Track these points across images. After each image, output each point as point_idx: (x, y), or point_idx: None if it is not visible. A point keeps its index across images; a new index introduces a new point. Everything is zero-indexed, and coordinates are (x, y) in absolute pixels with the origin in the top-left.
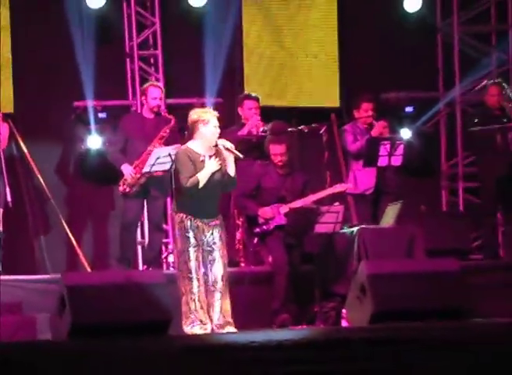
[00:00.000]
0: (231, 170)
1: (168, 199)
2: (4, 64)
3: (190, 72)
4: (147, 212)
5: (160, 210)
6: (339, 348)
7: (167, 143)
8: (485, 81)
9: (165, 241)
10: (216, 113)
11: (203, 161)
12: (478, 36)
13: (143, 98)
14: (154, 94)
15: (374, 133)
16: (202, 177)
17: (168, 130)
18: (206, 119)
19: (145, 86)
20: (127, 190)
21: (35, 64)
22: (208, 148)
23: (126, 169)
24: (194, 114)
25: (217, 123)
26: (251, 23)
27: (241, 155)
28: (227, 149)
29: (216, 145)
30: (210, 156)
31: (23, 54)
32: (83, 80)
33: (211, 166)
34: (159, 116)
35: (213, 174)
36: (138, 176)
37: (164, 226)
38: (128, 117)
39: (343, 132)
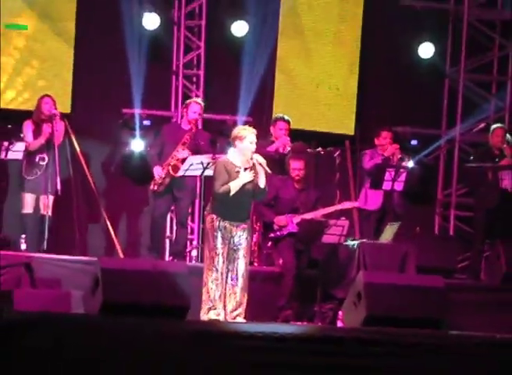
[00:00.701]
0: (262, 182)
1: (197, 201)
2: (66, 70)
3: (227, 92)
4: (175, 210)
5: (185, 210)
6: (333, 345)
7: (196, 151)
8: (492, 123)
9: (189, 237)
10: (254, 131)
11: (238, 172)
12: (481, 84)
13: (184, 110)
14: (195, 109)
15: (387, 153)
16: (234, 186)
17: (188, 137)
18: (243, 136)
19: (188, 101)
20: (155, 188)
21: (93, 72)
22: (244, 161)
23: (156, 171)
24: (235, 130)
25: (254, 140)
26: (285, 53)
27: (270, 171)
28: (260, 164)
29: (251, 159)
30: (245, 169)
31: (84, 62)
32: (133, 90)
33: (243, 177)
34: (196, 128)
35: (245, 184)
36: (163, 176)
37: (189, 223)
38: (168, 126)
39: (363, 154)
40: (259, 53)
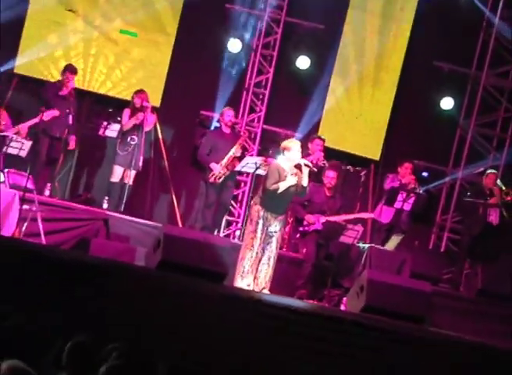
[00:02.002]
0: (305, 181)
1: (246, 192)
2: (161, 68)
3: (285, 110)
4: (222, 196)
5: (231, 196)
6: (335, 323)
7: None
8: (488, 169)
9: (235, 219)
10: (299, 143)
11: (286, 175)
12: (486, 136)
13: (221, 117)
14: (229, 113)
15: (405, 180)
16: (282, 186)
17: (244, 140)
18: (291, 147)
19: (223, 109)
20: (214, 180)
21: (183, 77)
22: (291, 166)
23: (215, 167)
24: (285, 142)
25: (299, 150)
26: (336, 88)
27: (316, 169)
28: (306, 165)
29: (297, 165)
30: (292, 174)
31: (178, 68)
32: (212, 97)
33: (289, 181)
34: (234, 130)
35: (290, 186)
36: (225, 171)
37: (236, 208)
38: (212, 132)
39: (387, 177)
40: (315, 84)
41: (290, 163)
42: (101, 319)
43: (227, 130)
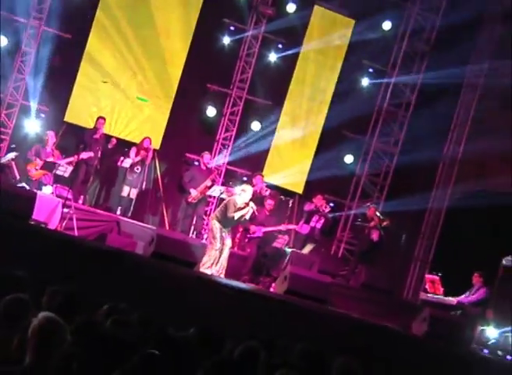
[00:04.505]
0: (248, 216)
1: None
2: (162, 122)
3: (243, 156)
4: (197, 211)
5: (203, 211)
6: (266, 300)
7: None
8: (369, 203)
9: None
10: (252, 189)
11: (238, 208)
12: (372, 182)
13: (201, 158)
14: (206, 156)
15: (318, 204)
16: (237, 215)
17: (214, 177)
18: (245, 190)
19: (202, 154)
20: (192, 201)
21: (176, 129)
22: (243, 202)
23: (193, 191)
24: (243, 186)
25: (250, 194)
26: (277, 142)
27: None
28: (251, 207)
29: (247, 204)
30: (242, 208)
31: (173, 121)
32: (194, 145)
33: (241, 212)
34: (207, 168)
35: (240, 216)
36: (199, 195)
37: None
38: (194, 167)
39: (306, 204)
40: (263, 140)
41: (242, 200)
42: (113, 288)
43: (203, 167)
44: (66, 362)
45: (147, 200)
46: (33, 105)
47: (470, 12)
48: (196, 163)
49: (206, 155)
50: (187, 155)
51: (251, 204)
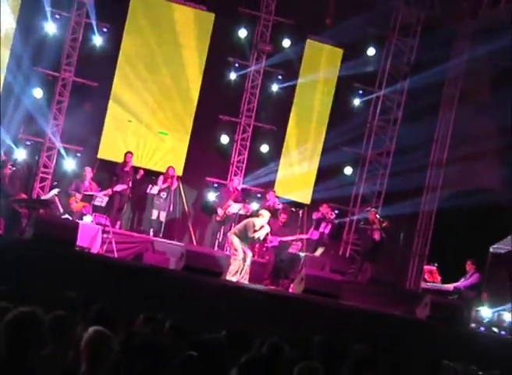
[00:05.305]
0: (262, 237)
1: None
2: (182, 152)
3: (255, 176)
4: (222, 229)
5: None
6: (287, 299)
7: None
8: (369, 208)
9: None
10: (269, 214)
11: (256, 230)
12: (370, 190)
13: (230, 182)
14: (236, 182)
15: (325, 213)
16: (256, 235)
17: (235, 196)
18: (263, 215)
19: (231, 177)
20: (220, 219)
21: (196, 157)
22: (259, 225)
23: (219, 210)
24: (262, 211)
25: (267, 219)
26: (284, 161)
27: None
28: (266, 233)
29: (263, 226)
30: (258, 229)
31: (192, 150)
32: (212, 170)
33: (258, 234)
34: (228, 189)
35: (257, 237)
36: (224, 214)
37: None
38: (223, 188)
39: (314, 213)
40: (272, 161)
41: (260, 223)
42: (151, 300)
43: (231, 189)
44: (115, 368)
45: (175, 221)
46: (69, 146)
47: (443, 35)
48: (215, 185)
49: (236, 179)
50: (207, 178)
51: (267, 227)
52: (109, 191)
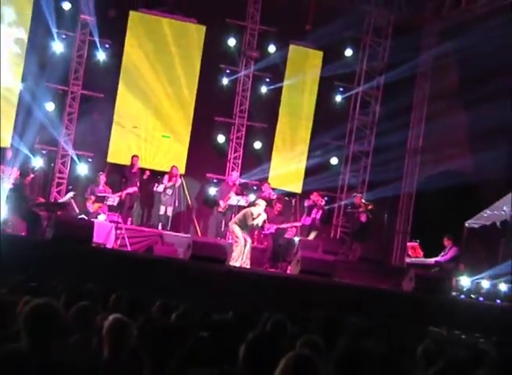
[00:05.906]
0: (260, 224)
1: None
2: (183, 152)
3: (251, 170)
4: (224, 219)
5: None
6: (285, 280)
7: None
8: (355, 193)
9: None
10: (264, 203)
11: (254, 218)
12: (355, 177)
13: (229, 177)
14: (233, 175)
15: (316, 200)
16: (254, 223)
17: (236, 189)
18: (259, 204)
19: (231, 173)
20: (221, 210)
21: (196, 157)
22: (257, 213)
23: (221, 202)
24: (258, 200)
25: (263, 207)
26: (275, 156)
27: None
28: (263, 220)
29: (260, 214)
30: (255, 217)
31: (192, 151)
32: (209, 166)
33: (256, 221)
34: (228, 183)
35: (255, 224)
36: (226, 205)
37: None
38: (223, 183)
39: (305, 200)
40: (265, 156)
41: (257, 211)
42: (165, 287)
43: (230, 183)
44: (135, 352)
45: (180, 215)
46: (81, 152)
47: (412, 34)
48: (215, 181)
49: (233, 173)
50: (207, 175)
51: (264, 215)
52: (122, 194)
